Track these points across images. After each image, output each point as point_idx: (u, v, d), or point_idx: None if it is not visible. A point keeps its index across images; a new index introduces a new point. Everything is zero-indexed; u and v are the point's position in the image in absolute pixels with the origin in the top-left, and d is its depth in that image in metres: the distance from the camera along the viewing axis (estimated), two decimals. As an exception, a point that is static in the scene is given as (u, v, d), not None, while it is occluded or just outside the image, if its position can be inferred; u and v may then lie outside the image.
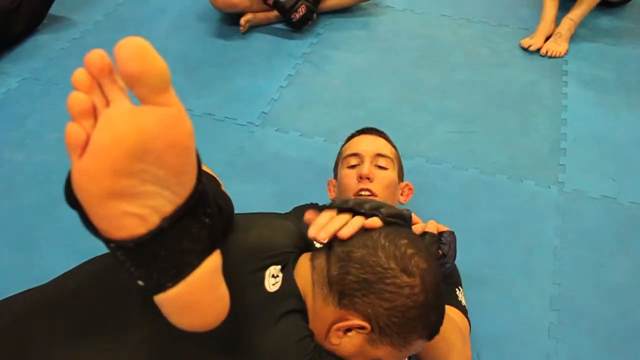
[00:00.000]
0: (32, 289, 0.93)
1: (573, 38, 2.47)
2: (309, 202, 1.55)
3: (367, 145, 1.45)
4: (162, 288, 0.65)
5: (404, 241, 0.93)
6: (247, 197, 1.46)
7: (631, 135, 2.04)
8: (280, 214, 1.12)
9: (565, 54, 2.43)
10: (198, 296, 0.67)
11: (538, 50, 2.45)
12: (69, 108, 0.57)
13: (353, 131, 1.55)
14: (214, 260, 0.68)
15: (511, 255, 1.60)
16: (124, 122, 0.57)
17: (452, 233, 1.22)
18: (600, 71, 2.36)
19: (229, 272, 0.89)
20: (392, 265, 0.90)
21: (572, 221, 1.71)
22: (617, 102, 2.20)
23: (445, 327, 0.97)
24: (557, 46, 2.43)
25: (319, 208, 1.47)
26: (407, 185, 1.52)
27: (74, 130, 0.58)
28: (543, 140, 2.00)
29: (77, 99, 0.57)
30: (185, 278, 0.65)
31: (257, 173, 1.81)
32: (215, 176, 1.07)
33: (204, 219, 0.66)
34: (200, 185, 0.65)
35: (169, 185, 0.61)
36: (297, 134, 1.97)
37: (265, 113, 2.05)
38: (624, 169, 1.90)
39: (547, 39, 2.47)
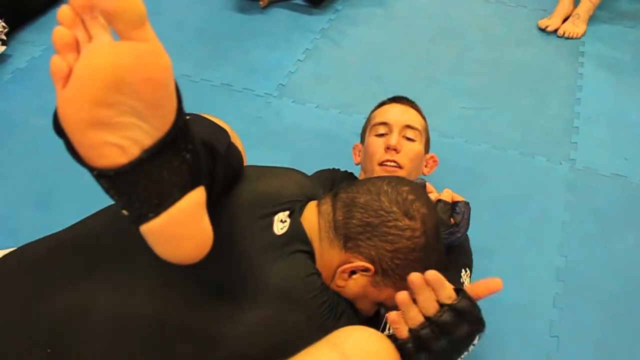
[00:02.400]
0: (49, 235, 0.96)
1: (591, 20, 2.48)
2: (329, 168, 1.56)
3: (397, 115, 1.44)
4: (145, 218, 0.68)
5: (406, 188, 0.98)
6: (263, 163, 1.49)
7: (645, 116, 2.05)
8: (292, 168, 1.15)
9: (583, 35, 2.44)
10: (180, 228, 0.70)
11: (555, 31, 2.45)
12: (53, 42, 0.62)
13: (369, 103, 1.55)
14: (197, 195, 0.71)
15: (520, 227, 1.63)
16: (102, 55, 0.61)
17: (467, 204, 1.23)
18: (617, 53, 2.37)
19: (239, 216, 0.94)
20: (395, 209, 0.95)
21: (582, 197, 1.73)
22: (633, 84, 2.21)
23: None
24: (575, 27, 2.44)
25: (339, 174, 1.51)
26: (432, 157, 1.51)
27: (58, 63, 0.62)
28: (556, 119, 2.02)
29: (61, 34, 0.61)
30: (167, 209, 0.68)
31: (273, 142, 1.85)
32: (230, 130, 1.10)
33: (184, 154, 0.69)
34: (179, 120, 0.68)
35: (147, 118, 0.65)
36: (313, 105, 2.00)
37: (283, 85, 2.08)
38: (636, 149, 1.91)
39: (565, 20, 2.48)
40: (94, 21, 0.62)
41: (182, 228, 0.70)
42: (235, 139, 1.16)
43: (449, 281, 0.87)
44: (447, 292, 0.85)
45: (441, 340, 0.84)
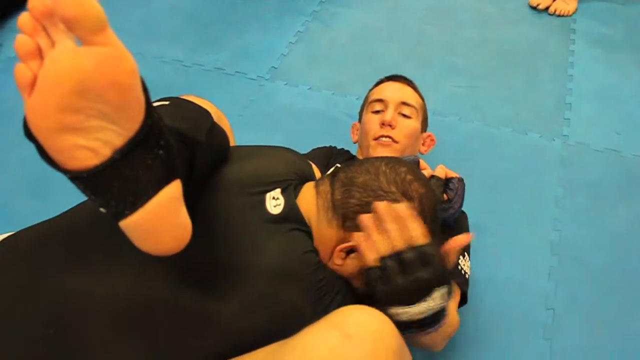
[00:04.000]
0: (44, 221, 0.97)
1: (582, -3, 2.48)
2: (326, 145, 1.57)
3: (393, 92, 1.46)
4: (121, 215, 0.69)
5: (404, 168, 0.99)
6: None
7: (637, 92, 2.05)
8: (282, 147, 1.15)
9: (574, 12, 2.44)
10: (157, 223, 0.71)
11: (546, 9, 2.45)
12: (15, 50, 0.62)
13: (362, 84, 1.57)
14: (172, 189, 0.71)
15: (513, 202, 1.64)
16: (64, 62, 0.61)
17: (461, 180, 1.23)
18: (609, 30, 2.37)
19: (229, 196, 0.94)
20: (393, 189, 0.95)
21: (575, 172, 1.74)
22: (625, 60, 2.21)
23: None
24: (566, 5, 2.44)
25: (336, 151, 1.51)
26: (429, 136, 1.52)
27: (22, 71, 0.62)
28: (548, 95, 2.02)
29: (22, 42, 0.61)
30: (143, 206, 0.69)
31: (267, 124, 1.86)
32: (215, 110, 1.10)
33: (157, 151, 0.69)
34: (149, 119, 0.68)
35: (115, 120, 0.65)
36: (305, 87, 2.00)
37: (275, 68, 2.08)
38: (628, 124, 1.92)
39: (556, -2, 2.48)
40: (55, 27, 0.62)
41: (158, 222, 0.71)
42: (221, 118, 1.16)
43: None
44: (419, 230, 0.87)
45: (403, 278, 0.86)
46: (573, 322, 1.38)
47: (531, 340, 1.34)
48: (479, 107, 1.96)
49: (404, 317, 0.88)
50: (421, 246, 0.87)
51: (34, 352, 0.80)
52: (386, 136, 1.38)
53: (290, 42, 2.21)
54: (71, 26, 0.60)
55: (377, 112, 1.43)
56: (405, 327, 0.89)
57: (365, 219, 0.90)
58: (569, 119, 1.92)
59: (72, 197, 0.98)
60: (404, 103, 1.43)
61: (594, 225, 1.60)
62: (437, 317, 0.90)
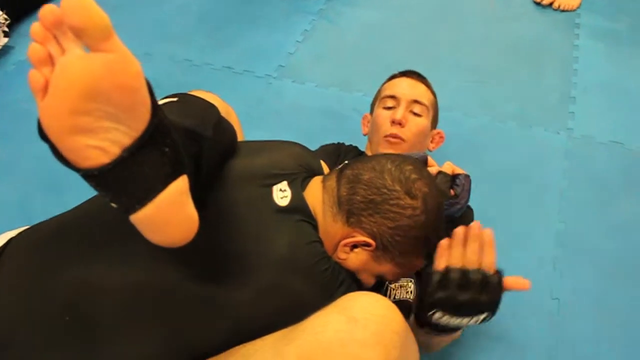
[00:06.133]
0: (60, 214, 1.00)
1: (586, -9, 2.49)
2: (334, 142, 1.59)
3: (406, 89, 1.46)
4: (132, 210, 0.72)
5: (409, 167, 1.01)
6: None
7: (642, 85, 2.07)
8: (290, 141, 1.18)
9: (578, 7, 2.46)
10: (165, 216, 0.74)
11: (551, 4, 2.47)
12: (28, 57, 0.66)
13: (368, 81, 1.58)
14: (179, 184, 0.75)
15: (518, 195, 1.67)
16: (74, 68, 0.65)
17: (467, 176, 1.25)
18: (613, 24, 2.38)
19: (237, 187, 0.98)
20: (397, 187, 0.98)
21: (580, 164, 1.76)
22: (629, 54, 2.23)
23: None
24: (570, 0, 2.45)
25: (344, 148, 1.54)
26: (438, 133, 1.54)
27: (35, 76, 0.66)
28: (553, 90, 2.04)
29: (34, 49, 0.66)
30: (152, 200, 0.72)
31: (275, 121, 1.89)
32: (222, 104, 1.13)
33: (163, 148, 0.73)
34: (155, 118, 0.72)
35: (123, 121, 0.69)
36: (313, 84, 2.03)
37: (282, 66, 2.11)
38: (633, 117, 1.94)
39: (560, -7, 2.49)
40: (64, 36, 0.65)
41: (167, 216, 0.74)
42: (229, 112, 1.19)
43: None
44: (491, 259, 0.99)
45: (461, 293, 0.95)
46: (578, 311, 1.40)
47: (537, 329, 1.36)
48: (485, 102, 1.98)
49: (442, 322, 0.98)
50: (487, 273, 0.97)
51: (50, 338, 0.84)
52: (395, 135, 1.40)
53: (297, 41, 2.24)
54: (79, 34, 0.64)
55: (389, 108, 1.44)
56: (430, 327, 1.00)
57: (458, 231, 1.01)
58: (573, 112, 1.94)
59: (85, 193, 1.02)
60: (415, 101, 1.44)
61: (599, 216, 1.62)
62: (461, 327, 1.02)
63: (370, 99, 1.59)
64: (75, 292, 0.86)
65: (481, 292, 0.96)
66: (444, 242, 1.00)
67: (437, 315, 0.97)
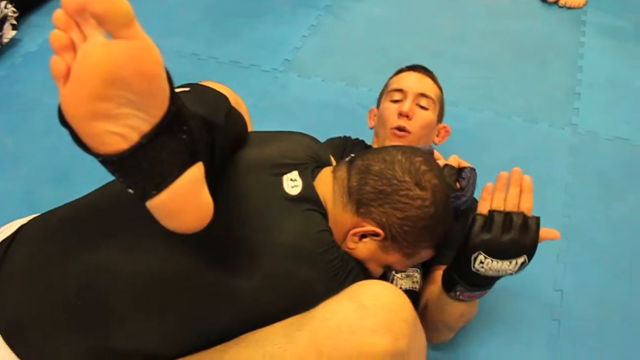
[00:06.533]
0: (70, 202, 1.02)
1: (593, -11, 2.50)
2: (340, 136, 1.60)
3: (413, 82, 1.48)
4: (148, 195, 0.74)
5: (419, 159, 1.02)
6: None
7: (647, 81, 2.08)
8: (299, 132, 1.19)
9: (585, 4, 2.46)
10: (181, 202, 0.75)
11: (557, 1, 2.47)
12: (50, 44, 0.67)
13: (374, 75, 1.59)
14: (195, 171, 0.76)
15: (523, 189, 1.67)
16: (96, 54, 0.66)
17: (473, 170, 1.26)
18: (619, 21, 2.39)
19: (248, 176, 0.99)
20: (407, 178, 0.99)
21: (584, 160, 1.77)
22: (635, 51, 2.24)
23: None
24: (576, -3, 2.46)
25: (350, 142, 1.55)
26: (444, 127, 1.55)
27: (57, 63, 0.67)
28: (558, 86, 2.05)
29: (57, 36, 0.66)
30: (168, 187, 0.73)
31: (281, 115, 1.90)
32: (232, 94, 1.14)
33: (180, 135, 0.74)
34: (173, 106, 0.73)
35: (142, 108, 0.70)
36: (319, 79, 2.04)
37: (289, 60, 2.13)
38: (637, 113, 1.95)
39: (566, -10, 2.50)
40: (86, 23, 0.66)
41: (183, 202, 0.75)
42: (238, 103, 1.20)
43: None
44: (530, 204, 1.04)
45: (503, 234, 1.00)
46: (581, 303, 1.41)
47: (540, 320, 1.37)
48: (490, 97, 1.99)
49: (483, 269, 1.01)
50: (527, 216, 1.02)
51: (64, 322, 0.85)
52: (402, 127, 1.41)
53: (304, 35, 2.25)
54: (101, 21, 0.65)
55: (396, 101, 1.45)
56: (467, 282, 1.05)
57: (501, 174, 1.06)
58: (578, 108, 1.95)
59: (92, 183, 1.03)
60: (422, 94, 1.45)
61: (603, 211, 1.63)
62: (492, 282, 1.07)
63: (376, 94, 1.60)
64: (89, 277, 0.88)
65: (522, 235, 1.00)
66: (488, 186, 1.05)
67: (480, 258, 1.00)
